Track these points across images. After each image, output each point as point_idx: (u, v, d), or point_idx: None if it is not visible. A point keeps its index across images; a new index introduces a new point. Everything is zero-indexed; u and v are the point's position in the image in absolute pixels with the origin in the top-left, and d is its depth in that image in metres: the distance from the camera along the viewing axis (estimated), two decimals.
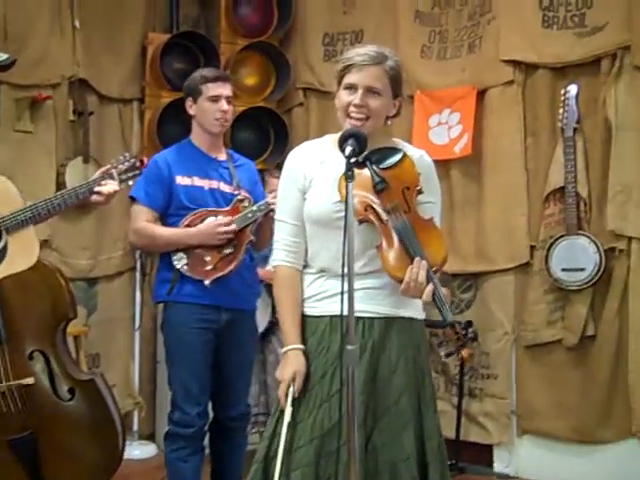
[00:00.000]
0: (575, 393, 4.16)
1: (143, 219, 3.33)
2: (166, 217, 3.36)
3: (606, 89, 4.01)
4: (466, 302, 4.48)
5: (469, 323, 4.34)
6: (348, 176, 2.12)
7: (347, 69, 2.35)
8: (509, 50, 4.29)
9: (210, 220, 3.31)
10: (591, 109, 4.10)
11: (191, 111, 3.42)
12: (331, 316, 2.35)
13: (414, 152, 2.46)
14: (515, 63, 4.29)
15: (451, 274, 4.43)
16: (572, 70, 4.17)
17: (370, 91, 2.34)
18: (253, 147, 4.89)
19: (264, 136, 4.98)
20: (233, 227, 3.29)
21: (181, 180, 3.34)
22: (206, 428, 3.39)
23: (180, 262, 3.29)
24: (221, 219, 3.30)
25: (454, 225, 4.45)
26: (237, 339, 3.37)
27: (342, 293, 2.11)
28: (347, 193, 2.12)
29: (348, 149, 2.17)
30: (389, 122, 2.44)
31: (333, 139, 2.43)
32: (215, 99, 3.37)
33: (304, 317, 2.41)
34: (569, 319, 4.12)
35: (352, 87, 2.34)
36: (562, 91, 4.10)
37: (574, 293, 4.08)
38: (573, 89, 4.07)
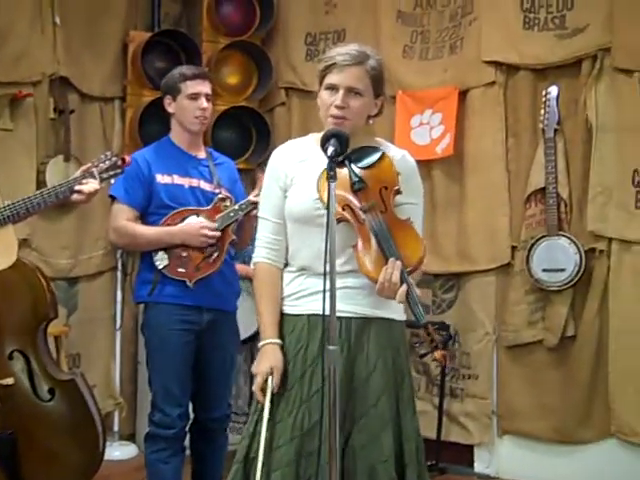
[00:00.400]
0: (555, 393, 4.19)
1: (123, 218, 3.32)
2: (146, 216, 3.35)
3: (586, 90, 4.05)
4: (448, 302, 4.51)
5: (444, 325, 4.36)
6: (330, 176, 2.13)
7: (328, 69, 2.36)
8: (490, 51, 4.32)
9: (192, 219, 3.31)
10: (572, 110, 4.13)
11: (170, 109, 3.42)
12: (309, 315, 2.35)
13: (396, 152, 2.47)
14: (496, 64, 4.32)
15: (433, 274, 4.45)
16: (553, 71, 4.20)
17: (351, 91, 2.34)
18: (235, 146, 4.90)
19: (246, 135, 4.98)
20: (217, 234, 3.29)
21: (161, 178, 3.34)
22: (187, 429, 3.39)
23: (162, 262, 3.28)
24: (206, 222, 3.30)
25: (436, 225, 4.47)
26: (218, 340, 3.37)
27: (324, 291, 2.11)
28: (329, 192, 2.13)
29: (330, 149, 2.17)
30: (371, 121, 2.45)
31: (316, 138, 2.43)
32: (194, 97, 3.36)
33: (283, 315, 2.42)
34: (550, 319, 4.16)
35: (333, 87, 2.35)
36: (543, 92, 4.13)
37: (555, 293, 4.11)
38: (554, 90, 4.10)
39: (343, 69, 2.33)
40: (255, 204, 3.20)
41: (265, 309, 2.41)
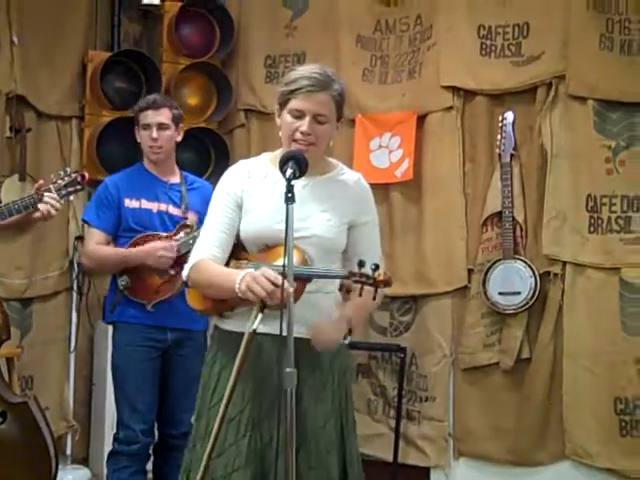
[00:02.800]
0: (511, 415, 4.23)
1: (94, 241, 3.48)
2: (116, 238, 3.51)
3: (542, 117, 4.13)
4: (405, 325, 4.53)
5: (400, 347, 4.38)
6: (289, 198, 2.15)
7: (293, 94, 2.37)
8: (448, 76, 4.39)
9: (154, 242, 3.43)
10: (527, 136, 4.21)
11: (138, 138, 3.60)
12: (262, 334, 2.33)
13: (351, 175, 2.52)
14: (454, 89, 4.38)
15: (390, 297, 4.47)
16: (509, 97, 4.28)
17: (317, 118, 2.37)
18: (194, 167, 4.85)
19: (205, 156, 4.98)
20: (173, 254, 3.38)
21: (129, 203, 3.49)
22: (151, 450, 3.43)
23: (122, 284, 3.42)
24: (163, 244, 3.40)
25: (394, 247, 4.49)
26: (183, 358, 3.46)
27: (282, 313, 2.13)
28: (287, 215, 2.15)
29: (289, 171, 2.20)
30: (331, 143, 2.49)
31: (270, 157, 2.48)
32: (146, 127, 3.51)
33: (235, 334, 2.39)
34: (505, 342, 4.21)
35: (300, 113, 2.37)
36: (499, 117, 4.20)
37: (510, 316, 4.17)
38: (510, 116, 4.18)
39: (309, 96, 2.35)
40: None
41: (218, 270, 2.36)
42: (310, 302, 2.34)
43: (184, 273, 2.44)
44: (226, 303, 2.39)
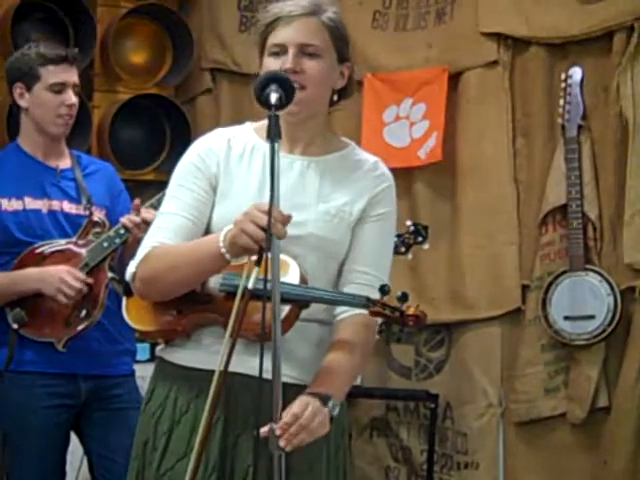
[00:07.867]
0: None
1: None
2: None
3: (620, 74, 4.11)
4: (436, 364, 4.53)
5: (430, 395, 4.36)
6: (274, 134, 2.14)
7: (271, 26, 2.38)
8: (491, 20, 4.40)
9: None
10: (601, 100, 4.20)
11: (22, 102, 3.45)
12: (232, 374, 2.27)
13: (368, 157, 2.51)
14: (499, 37, 4.39)
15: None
16: (575, 48, 4.27)
17: (305, 50, 2.36)
18: (141, 150, 4.88)
19: (157, 135, 4.98)
20: (81, 285, 3.28)
21: (7, 204, 3.38)
22: None
23: (15, 319, 3.29)
24: (66, 268, 3.29)
25: (419, 258, 4.47)
26: (107, 418, 3.40)
27: (262, 348, 2.10)
28: (272, 157, 2.13)
29: (273, 96, 2.16)
30: (339, 101, 2.47)
31: (256, 127, 2.49)
32: (59, 88, 3.40)
33: (194, 370, 2.37)
34: (575, 385, 4.19)
35: (280, 49, 2.36)
36: (562, 76, 4.19)
37: (581, 350, 4.15)
38: (577, 73, 4.17)
39: (291, 21, 2.35)
40: (128, 229, 3.27)
41: (191, 242, 2.36)
42: (302, 333, 2.32)
43: (129, 271, 2.40)
44: (185, 319, 2.36)
